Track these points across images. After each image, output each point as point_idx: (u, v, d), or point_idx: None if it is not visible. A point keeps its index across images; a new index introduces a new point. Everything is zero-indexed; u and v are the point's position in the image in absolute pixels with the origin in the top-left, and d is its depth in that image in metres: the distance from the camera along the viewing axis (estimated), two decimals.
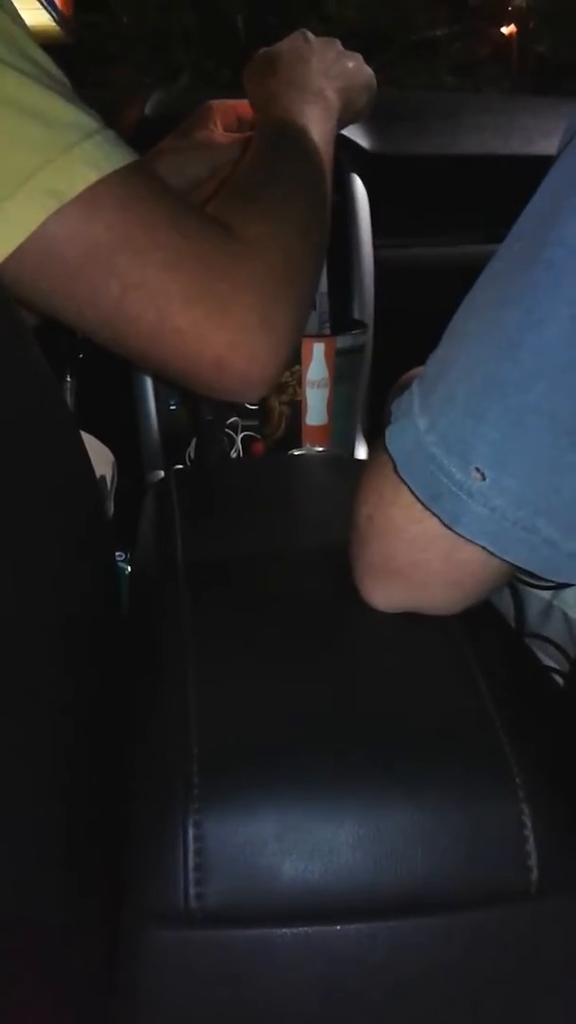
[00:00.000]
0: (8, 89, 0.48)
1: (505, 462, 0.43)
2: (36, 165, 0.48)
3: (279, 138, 0.67)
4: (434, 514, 0.46)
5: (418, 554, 0.48)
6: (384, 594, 0.52)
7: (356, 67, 0.77)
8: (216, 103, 0.92)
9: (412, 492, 0.46)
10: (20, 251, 0.48)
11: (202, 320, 0.53)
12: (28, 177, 0.48)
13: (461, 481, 0.44)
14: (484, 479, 0.43)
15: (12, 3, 0.51)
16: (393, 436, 0.48)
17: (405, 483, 0.47)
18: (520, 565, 0.45)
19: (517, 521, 0.43)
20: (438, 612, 0.52)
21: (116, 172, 0.50)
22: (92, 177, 0.49)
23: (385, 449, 0.48)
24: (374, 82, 0.79)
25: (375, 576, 0.51)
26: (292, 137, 0.66)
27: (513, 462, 0.43)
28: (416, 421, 0.46)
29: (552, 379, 0.42)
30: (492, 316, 0.44)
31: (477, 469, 0.43)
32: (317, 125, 0.68)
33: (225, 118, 0.91)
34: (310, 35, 0.77)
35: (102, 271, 0.51)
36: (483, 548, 0.45)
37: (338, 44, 0.78)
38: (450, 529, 0.45)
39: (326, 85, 0.72)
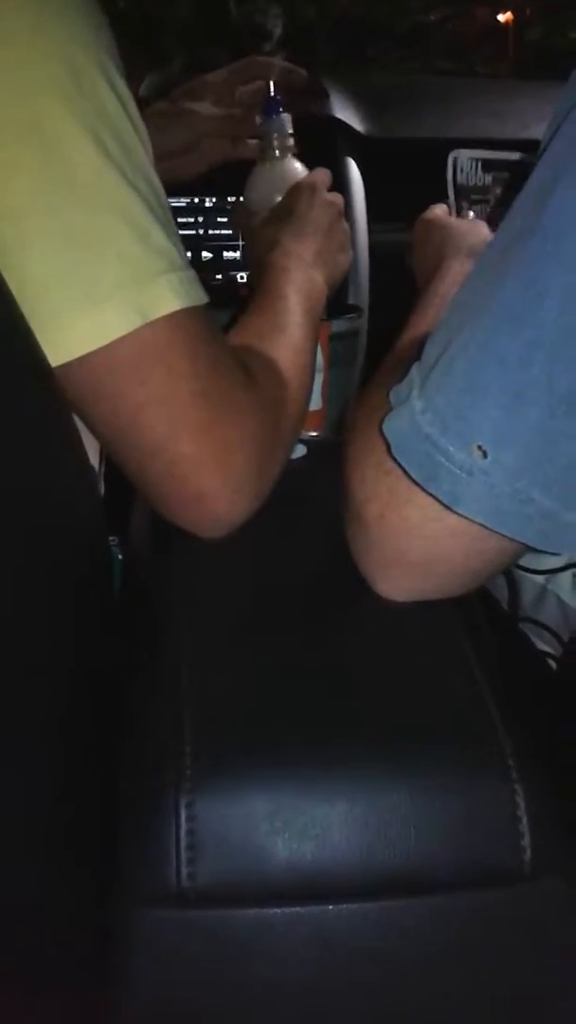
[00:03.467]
0: (126, 204, 0.51)
1: (504, 437, 0.43)
2: (128, 281, 0.51)
3: (288, 289, 0.70)
4: (430, 495, 0.45)
5: (437, 549, 0.48)
6: (397, 586, 0.52)
7: (345, 261, 0.80)
8: (211, 76, 0.91)
9: (406, 473, 0.46)
10: (88, 353, 0.51)
11: (205, 454, 0.55)
12: (118, 289, 0.51)
13: (461, 460, 0.44)
14: (485, 456, 0.43)
15: (141, 120, 0.54)
16: (389, 420, 0.47)
17: (399, 465, 0.46)
18: (517, 538, 0.45)
19: (514, 494, 0.43)
20: (449, 596, 0.52)
21: (190, 308, 0.53)
22: (174, 306, 0.52)
23: (380, 433, 0.48)
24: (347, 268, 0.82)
25: (388, 569, 0.51)
26: (297, 296, 0.70)
27: (512, 436, 0.43)
28: (413, 403, 0.46)
29: (549, 349, 0.41)
30: (492, 290, 0.44)
31: (479, 447, 0.43)
32: (303, 296, 0.71)
33: (221, 90, 0.91)
34: (323, 206, 0.78)
35: (136, 378, 0.53)
36: (481, 525, 0.45)
37: (344, 226, 0.80)
38: (449, 509, 0.45)
39: (317, 274, 0.74)
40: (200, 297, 0.55)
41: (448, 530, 0.47)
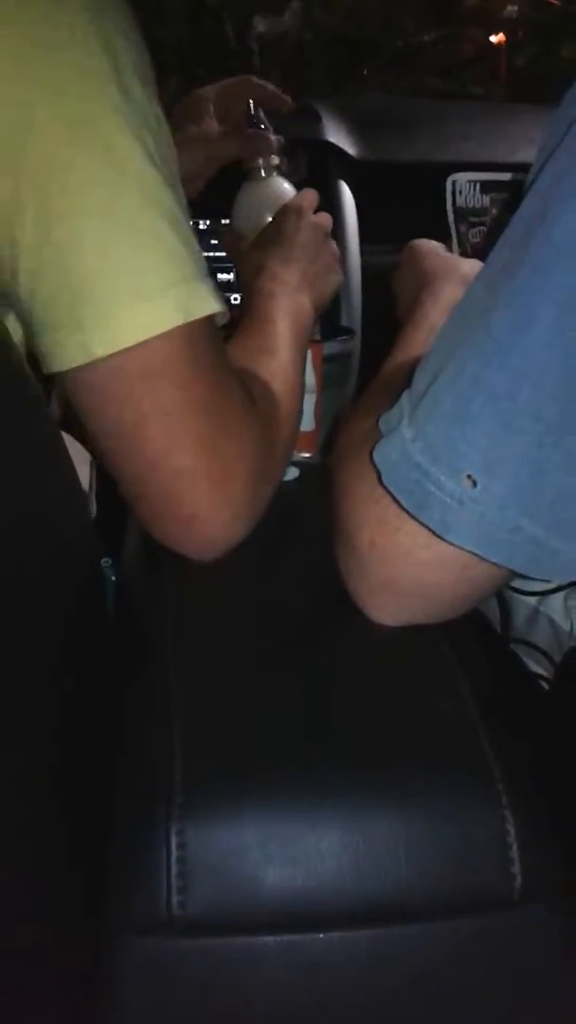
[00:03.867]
0: (170, 207, 0.53)
1: (494, 467, 0.43)
2: (175, 280, 0.53)
3: (276, 314, 0.71)
4: (420, 523, 0.46)
5: (427, 576, 0.48)
6: (388, 611, 0.52)
7: (334, 282, 0.81)
8: (206, 92, 0.91)
9: (396, 501, 0.46)
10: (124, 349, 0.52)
11: (202, 472, 0.55)
12: (168, 287, 0.52)
13: (451, 489, 0.44)
14: (475, 486, 0.43)
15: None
16: (379, 448, 0.48)
17: (389, 492, 0.47)
18: (506, 566, 0.45)
19: (504, 523, 0.43)
20: (439, 620, 0.52)
21: (213, 315, 0.55)
22: (211, 309, 0.54)
23: (369, 459, 0.48)
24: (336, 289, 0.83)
25: (378, 595, 0.51)
26: (285, 320, 0.71)
27: (501, 466, 0.43)
28: (403, 431, 0.46)
29: (536, 380, 0.42)
30: (480, 321, 0.44)
31: (468, 476, 0.43)
32: (291, 320, 0.72)
33: (218, 106, 0.91)
34: (310, 229, 0.79)
35: (144, 387, 0.53)
36: (471, 552, 0.45)
37: (333, 247, 0.81)
38: (440, 538, 0.45)
39: (303, 298, 0.75)
40: (220, 305, 0.56)
41: (438, 557, 0.47)
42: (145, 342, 0.51)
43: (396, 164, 1.19)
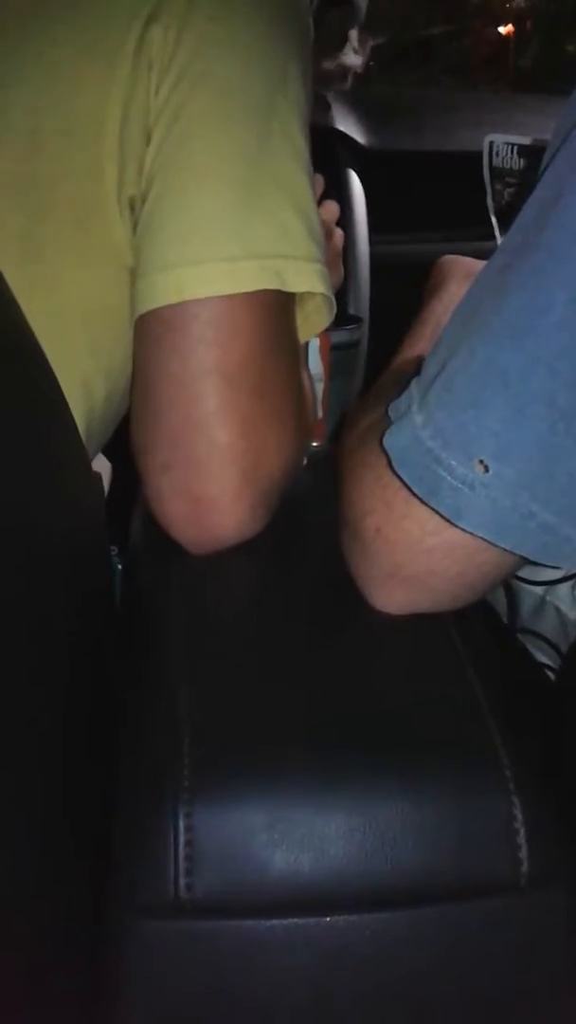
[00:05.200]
0: (303, 197, 0.56)
1: (506, 452, 0.43)
2: (284, 253, 0.55)
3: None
4: (432, 509, 0.45)
5: (434, 563, 0.48)
6: (394, 599, 0.52)
7: (333, 279, 0.81)
8: None
9: (407, 487, 0.46)
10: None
11: (239, 453, 0.55)
12: (272, 256, 0.54)
13: (463, 475, 0.44)
14: (487, 471, 0.43)
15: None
16: (389, 435, 0.47)
17: (399, 479, 0.46)
18: (517, 552, 0.45)
19: (515, 508, 0.43)
20: (445, 609, 0.52)
21: (324, 296, 0.57)
22: (318, 288, 0.56)
23: (380, 446, 0.48)
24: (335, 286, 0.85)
25: (385, 583, 0.51)
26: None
27: (513, 451, 0.43)
28: (414, 417, 0.46)
29: (550, 365, 0.41)
30: (492, 305, 0.44)
31: (480, 461, 0.43)
32: None
33: None
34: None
35: (219, 339, 0.54)
36: (482, 539, 0.45)
37: (336, 241, 0.82)
38: (451, 524, 0.45)
39: None
40: (324, 289, 0.57)
41: (446, 544, 0.47)
42: (236, 296, 0.53)
43: (406, 153, 1.19)
